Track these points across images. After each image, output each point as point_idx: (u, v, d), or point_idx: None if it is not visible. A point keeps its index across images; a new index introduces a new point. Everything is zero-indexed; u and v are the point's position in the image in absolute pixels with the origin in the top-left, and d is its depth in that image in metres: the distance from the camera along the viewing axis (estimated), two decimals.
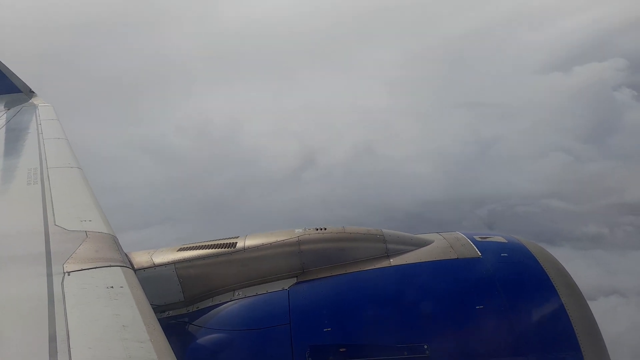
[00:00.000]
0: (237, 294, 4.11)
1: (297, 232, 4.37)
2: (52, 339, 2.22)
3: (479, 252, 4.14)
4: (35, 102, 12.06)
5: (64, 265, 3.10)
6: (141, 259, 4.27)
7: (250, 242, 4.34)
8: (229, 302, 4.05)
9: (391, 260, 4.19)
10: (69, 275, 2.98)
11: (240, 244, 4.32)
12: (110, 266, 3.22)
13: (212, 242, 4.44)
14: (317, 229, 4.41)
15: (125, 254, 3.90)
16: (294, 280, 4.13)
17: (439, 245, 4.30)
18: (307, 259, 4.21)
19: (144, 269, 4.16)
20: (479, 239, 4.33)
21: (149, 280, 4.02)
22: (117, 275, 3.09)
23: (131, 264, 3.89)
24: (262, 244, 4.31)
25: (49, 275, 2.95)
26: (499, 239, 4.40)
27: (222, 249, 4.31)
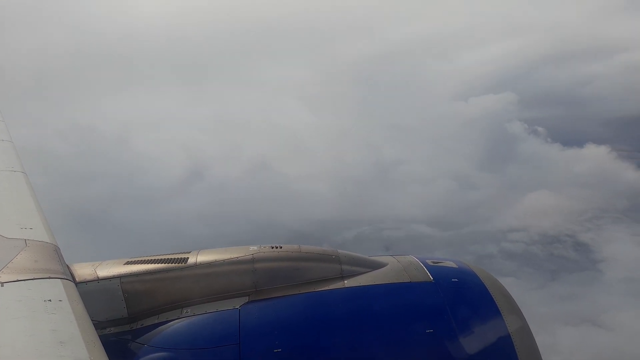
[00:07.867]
0: (185, 311, 3.96)
1: (252, 250, 4.31)
2: None
3: (431, 277, 4.23)
4: None
5: None
6: (84, 271, 4.05)
7: (202, 258, 4.23)
8: (176, 320, 3.90)
9: (345, 281, 4.20)
10: (2, 286, 2.79)
11: (192, 260, 4.20)
12: (49, 278, 3.05)
13: (162, 257, 4.29)
14: (273, 247, 4.36)
15: (67, 266, 3.71)
16: (246, 299, 4.04)
17: (392, 269, 4.36)
18: (260, 278, 4.14)
19: (86, 282, 3.94)
20: (432, 264, 4.44)
21: (91, 294, 3.82)
22: (57, 288, 2.92)
23: (72, 277, 3.69)
24: (215, 261, 4.20)
25: None
26: (450, 264, 4.53)
27: (173, 264, 4.17)
